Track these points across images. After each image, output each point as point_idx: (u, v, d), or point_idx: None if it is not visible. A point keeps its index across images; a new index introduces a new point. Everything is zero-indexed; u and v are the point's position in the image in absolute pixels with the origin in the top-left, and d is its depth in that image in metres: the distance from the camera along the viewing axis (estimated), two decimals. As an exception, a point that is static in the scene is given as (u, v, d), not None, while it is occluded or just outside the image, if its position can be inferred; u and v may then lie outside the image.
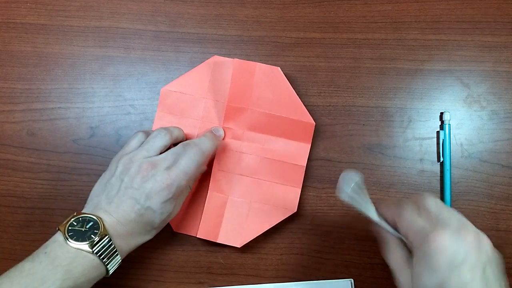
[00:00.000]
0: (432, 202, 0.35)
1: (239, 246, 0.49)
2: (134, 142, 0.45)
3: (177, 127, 0.48)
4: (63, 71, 0.52)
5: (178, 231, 0.50)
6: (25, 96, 0.52)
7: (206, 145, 0.45)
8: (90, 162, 0.51)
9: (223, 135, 0.50)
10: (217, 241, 0.49)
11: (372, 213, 0.39)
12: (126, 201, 0.41)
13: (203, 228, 0.49)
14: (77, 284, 0.38)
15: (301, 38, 0.52)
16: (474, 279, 0.31)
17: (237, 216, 0.49)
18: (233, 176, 0.50)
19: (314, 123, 0.49)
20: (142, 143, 0.45)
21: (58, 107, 0.52)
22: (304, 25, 0.52)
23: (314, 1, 0.52)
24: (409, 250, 0.36)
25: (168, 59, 0.52)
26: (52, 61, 0.52)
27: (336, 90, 0.52)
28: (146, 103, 0.52)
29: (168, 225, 0.49)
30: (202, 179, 0.50)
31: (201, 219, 0.49)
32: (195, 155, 0.44)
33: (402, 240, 0.36)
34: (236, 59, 0.49)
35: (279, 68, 0.50)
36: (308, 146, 0.50)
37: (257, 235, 0.49)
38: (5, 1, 0.53)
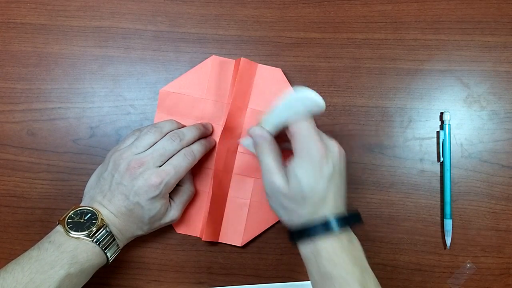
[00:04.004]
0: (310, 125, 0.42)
1: (240, 245, 0.49)
2: (129, 140, 0.46)
3: (169, 120, 0.48)
4: (63, 71, 0.52)
5: (180, 232, 0.50)
6: (25, 96, 0.52)
7: (197, 147, 0.47)
8: (90, 162, 0.51)
9: (212, 130, 0.50)
10: (219, 241, 0.49)
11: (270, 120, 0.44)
12: (117, 196, 0.43)
13: (205, 229, 0.49)
14: (83, 268, 0.40)
15: (301, 38, 0.52)
16: (336, 182, 0.41)
17: (237, 215, 0.50)
18: (232, 176, 0.50)
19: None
20: (135, 140, 0.45)
21: (58, 107, 0.52)
22: (304, 25, 0.52)
23: (314, 1, 0.52)
24: (280, 155, 0.43)
25: (168, 59, 0.52)
26: (52, 61, 0.52)
27: (336, 90, 0.52)
28: (146, 103, 0.52)
29: (170, 225, 0.48)
30: (202, 180, 0.50)
31: (203, 219, 0.49)
32: (187, 155, 0.45)
33: (276, 146, 0.44)
34: (243, 58, 0.49)
35: (280, 69, 0.50)
36: None
37: (258, 233, 0.50)
38: (5, 1, 0.53)
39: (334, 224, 0.39)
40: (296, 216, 0.41)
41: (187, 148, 0.46)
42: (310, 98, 0.41)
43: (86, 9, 0.53)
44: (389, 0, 0.52)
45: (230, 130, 0.49)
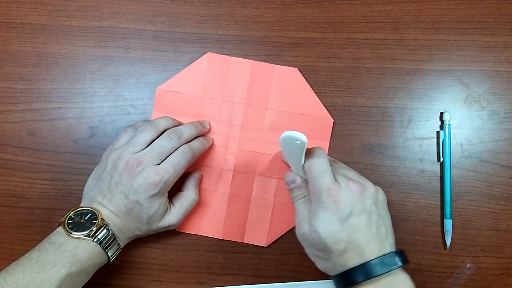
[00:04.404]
0: (320, 163, 0.40)
1: (265, 246, 0.50)
2: (123, 138, 0.46)
3: (164, 117, 0.48)
4: (63, 71, 0.52)
5: (199, 234, 0.51)
6: (25, 96, 0.52)
7: (196, 145, 0.47)
8: (90, 162, 0.51)
9: (209, 127, 0.50)
10: (243, 241, 0.50)
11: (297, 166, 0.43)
12: (116, 195, 0.43)
13: (228, 230, 0.50)
14: (84, 268, 0.40)
15: (301, 38, 0.52)
16: (360, 223, 0.38)
17: (261, 216, 0.50)
18: (254, 177, 0.50)
19: (333, 120, 0.51)
20: (131, 138, 0.45)
21: (58, 107, 0.52)
22: (304, 25, 0.52)
23: (314, 1, 0.52)
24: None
25: (168, 59, 0.52)
26: (52, 61, 0.52)
27: (336, 90, 0.52)
28: (146, 103, 0.52)
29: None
30: (221, 182, 0.51)
31: (224, 221, 0.50)
32: (186, 153, 0.45)
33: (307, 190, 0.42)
34: (254, 61, 0.51)
35: (296, 69, 0.50)
36: (326, 144, 0.51)
37: (282, 234, 0.50)
38: (5, 1, 0.53)
39: (367, 270, 0.37)
40: (329, 265, 0.40)
41: (186, 146, 0.46)
42: (290, 136, 0.38)
43: (86, 9, 0.53)
44: (389, 0, 0.52)
45: (248, 130, 0.50)
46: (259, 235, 0.50)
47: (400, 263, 0.38)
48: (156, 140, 0.45)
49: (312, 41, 0.52)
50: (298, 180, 0.44)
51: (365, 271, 0.37)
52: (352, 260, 0.38)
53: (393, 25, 0.52)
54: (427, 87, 0.52)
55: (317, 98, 0.51)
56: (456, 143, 0.51)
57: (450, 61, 0.52)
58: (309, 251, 0.42)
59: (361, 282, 0.37)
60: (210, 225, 0.50)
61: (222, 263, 0.51)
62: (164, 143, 0.44)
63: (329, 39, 0.52)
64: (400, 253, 0.39)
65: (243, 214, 0.50)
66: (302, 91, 0.51)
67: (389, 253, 0.38)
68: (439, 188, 0.51)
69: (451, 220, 0.50)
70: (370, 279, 0.37)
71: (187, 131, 0.46)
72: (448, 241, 0.50)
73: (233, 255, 0.51)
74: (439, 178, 0.51)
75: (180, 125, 0.48)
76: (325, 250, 0.39)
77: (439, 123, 0.52)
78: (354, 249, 0.38)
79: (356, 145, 0.51)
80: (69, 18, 0.52)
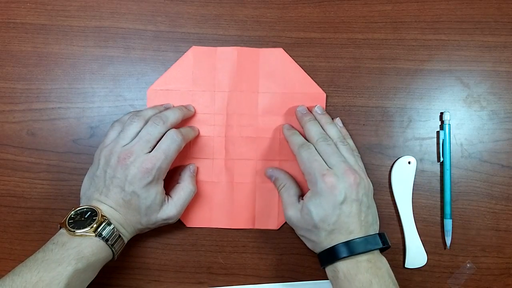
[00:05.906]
0: (323, 147, 0.45)
1: (276, 229, 0.51)
2: (112, 134, 0.46)
3: (152, 108, 0.48)
4: (63, 71, 0.52)
5: (210, 226, 0.51)
6: (25, 96, 0.52)
7: (186, 130, 0.48)
8: (90, 162, 0.51)
9: (194, 111, 0.51)
10: (255, 227, 0.51)
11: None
12: (113, 189, 0.43)
13: (237, 218, 0.50)
14: (90, 263, 0.40)
15: (301, 38, 0.52)
16: (352, 211, 0.42)
17: (268, 200, 0.51)
18: (255, 163, 0.51)
19: (325, 93, 0.51)
20: (120, 132, 0.46)
21: (58, 107, 0.52)
22: (304, 25, 0.52)
23: (314, 1, 0.52)
24: (300, 190, 0.48)
25: (168, 59, 0.52)
26: (52, 61, 0.52)
27: (336, 90, 0.52)
28: (146, 103, 0.52)
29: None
30: (224, 172, 0.51)
31: (233, 210, 0.50)
32: (176, 137, 0.45)
33: (295, 182, 0.49)
34: (238, 47, 0.51)
35: (281, 48, 0.51)
36: None
37: None
38: (5, 1, 0.53)
39: (351, 247, 0.42)
40: (317, 244, 0.44)
41: (174, 130, 0.46)
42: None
43: (86, 9, 0.53)
44: (389, 0, 0.52)
45: (243, 117, 0.51)
46: (269, 219, 0.51)
47: (381, 244, 0.43)
48: (142, 129, 0.45)
49: (312, 41, 0.52)
50: (276, 174, 0.49)
51: (349, 247, 0.42)
52: (338, 240, 0.42)
53: (393, 25, 0.52)
54: (427, 87, 0.52)
55: (306, 74, 0.51)
56: (456, 143, 0.51)
57: (450, 61, 0.52)
58: (299, 232, 0.46)
59: (344, 257, 0.42)
60: (219, 216, 0.51)
61: (222, 263, 0.51)
62: (150, 130, 0.45)
63: (329, 39, 0.52)
64: (382, 235, 0.44)
65: (251, 201, 0.51)
66: (290, 70, 0.51)
67: (372, 234, 0.43)
68: (439, 188, 0.51)
69: (451, 220, 0.50)
70: (353, 256, 0.41)
71: (172, 115, 0.47)
72: (448, 241, 0.50)
73: (233, 255, 0.51)
74: (439, 178, 0.51)
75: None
76: (315, 231, 0.43)
77: (439, 123, 0.52)
78: (342, 232, 0.42)
79: (356, 145, 0.51)
80: (69, 18, 0.52)
